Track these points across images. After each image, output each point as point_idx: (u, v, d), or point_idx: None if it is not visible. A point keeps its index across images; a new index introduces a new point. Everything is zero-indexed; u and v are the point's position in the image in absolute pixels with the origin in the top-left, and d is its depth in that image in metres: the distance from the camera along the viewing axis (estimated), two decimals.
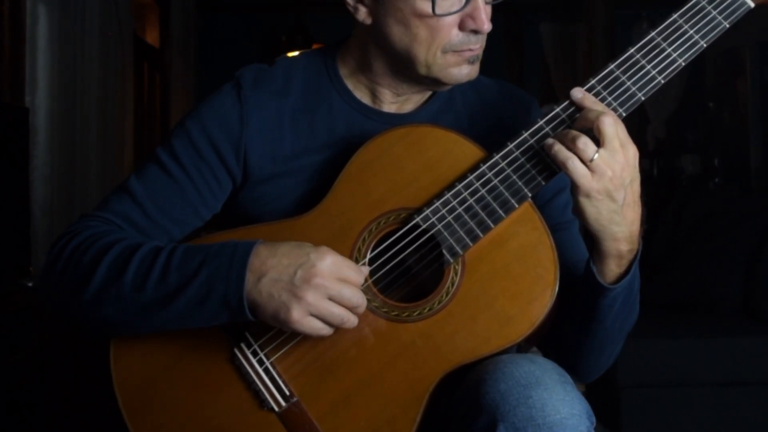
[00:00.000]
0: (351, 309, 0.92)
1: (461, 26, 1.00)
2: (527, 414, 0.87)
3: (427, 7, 0.98)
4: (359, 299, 0.92)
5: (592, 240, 0.98)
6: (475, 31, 1.01)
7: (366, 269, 0.97)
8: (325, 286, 0.90)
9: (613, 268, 0.98)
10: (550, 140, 0.95)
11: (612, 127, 0.92)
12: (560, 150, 0.93)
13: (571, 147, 0.93)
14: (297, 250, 0.92)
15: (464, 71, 1.03)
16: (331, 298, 0.91)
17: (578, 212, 0.95)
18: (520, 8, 4.71)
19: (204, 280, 0.92)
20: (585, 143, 0.92)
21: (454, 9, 0.99)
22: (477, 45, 1.02)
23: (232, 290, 0.91)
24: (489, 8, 1.02)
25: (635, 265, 0.99)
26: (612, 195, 0.93)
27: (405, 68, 1.04)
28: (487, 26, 1.00)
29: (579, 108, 0.97)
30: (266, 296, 0.91)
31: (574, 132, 0.93)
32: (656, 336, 2.44)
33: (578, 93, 0.98)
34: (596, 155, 0.91)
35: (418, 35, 1.00)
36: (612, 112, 0.95)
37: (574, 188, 0.94)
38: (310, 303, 0.90)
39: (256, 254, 0.92)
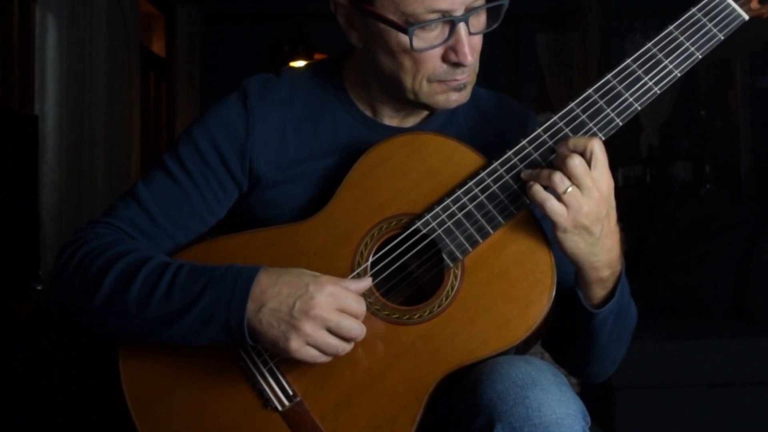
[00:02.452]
0: (349, 339, 0.93)
1: (444, 58, 0.99)
2: (524, 414, 0.87)
3: (407, 41, 0.96)
4: (358, 330, 0.93)
5: (574, 268, 0.98)
6: (459, 64, 0.99)
7: (369, 280, 0.97)
8: (323, 317, 0.91)
9: (598, 292, 0.99)
10: (526, 177, 0.96)
11: (581, 167, 0.93)
12: (538, 191, 0.95)
13: (547, 183, 0.94)
14: (297, 281, 0.93)
15: (452, 98, 1.02)
16: (329, 329, 0.92)
17: (558, 246, 0.96)
18: (517, 18, 4.74)
19: (206, 305, 0.93)
20: (561, 178, 0.93)
21: (437, 42, 0.97)
22: (463, 75, 1.00)
23: (233, 317, 0.92)
24: (477, 38, 1.00)
25: (620, 285, 0.99)
26: (589, 229, 0.94)
27: (396, 92, 1.04)
28: (469, 59, 0.98)
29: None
30: (266, 325, 0.92)
31: (548, 169, 0.94)
32: (649, 338, 2.43)
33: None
34: (570, 188, 0.93)
35: (404, 65, 1.00)
36: (578, 155, 0.94)
37: (552, 225, 0.95)
38: (307, 334, 0.91)
39: (258, 283, 0.93)
